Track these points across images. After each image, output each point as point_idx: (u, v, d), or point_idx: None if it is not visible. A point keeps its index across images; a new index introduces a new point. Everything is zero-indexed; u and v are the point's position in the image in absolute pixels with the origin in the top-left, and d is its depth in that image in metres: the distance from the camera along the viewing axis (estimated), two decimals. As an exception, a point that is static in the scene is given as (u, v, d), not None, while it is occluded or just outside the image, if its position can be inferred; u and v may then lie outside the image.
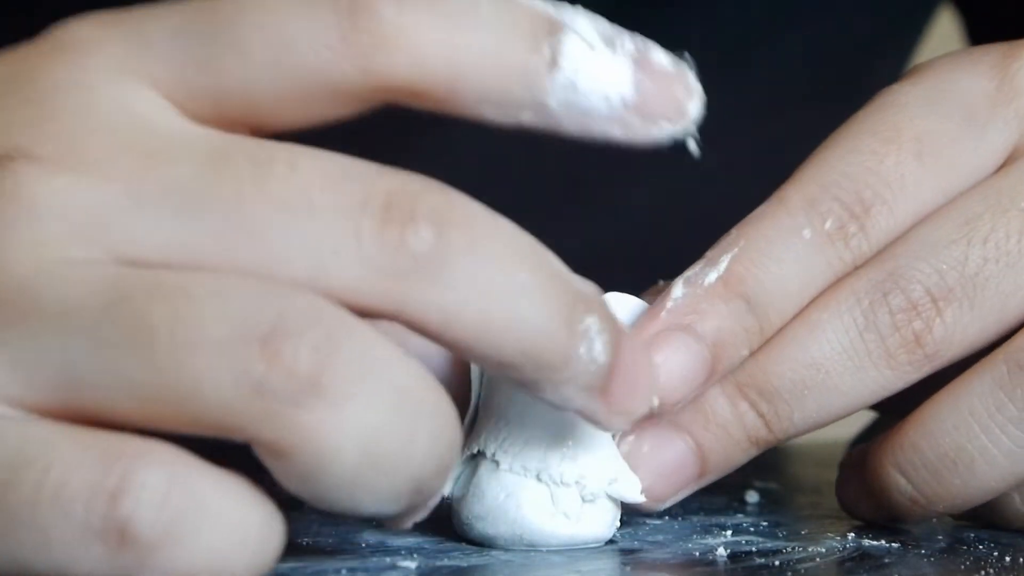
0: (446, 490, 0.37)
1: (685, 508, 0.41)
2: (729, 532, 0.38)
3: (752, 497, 0.44)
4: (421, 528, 0.38)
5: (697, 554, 0.36)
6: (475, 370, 0.37)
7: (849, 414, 0.37)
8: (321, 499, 0.30)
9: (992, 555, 0.36)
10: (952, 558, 0.35)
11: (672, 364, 0.36)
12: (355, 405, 0.29)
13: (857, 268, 0.37)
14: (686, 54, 0.33)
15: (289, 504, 0.31)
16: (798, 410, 0.37)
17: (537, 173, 0.60)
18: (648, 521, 0.39)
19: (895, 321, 0.37)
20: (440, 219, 0.30)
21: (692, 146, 0.33)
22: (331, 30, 0.31)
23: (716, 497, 0.44)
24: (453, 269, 0.30)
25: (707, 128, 0.63)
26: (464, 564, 0.34)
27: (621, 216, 0.62)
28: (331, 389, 0.29)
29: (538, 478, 0.36)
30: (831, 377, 0.37)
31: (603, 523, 0.36)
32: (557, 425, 0.36)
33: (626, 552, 0.36)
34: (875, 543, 0.37)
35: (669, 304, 0.37)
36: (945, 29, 0.71)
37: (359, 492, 0.30)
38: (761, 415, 0.37)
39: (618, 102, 0.32)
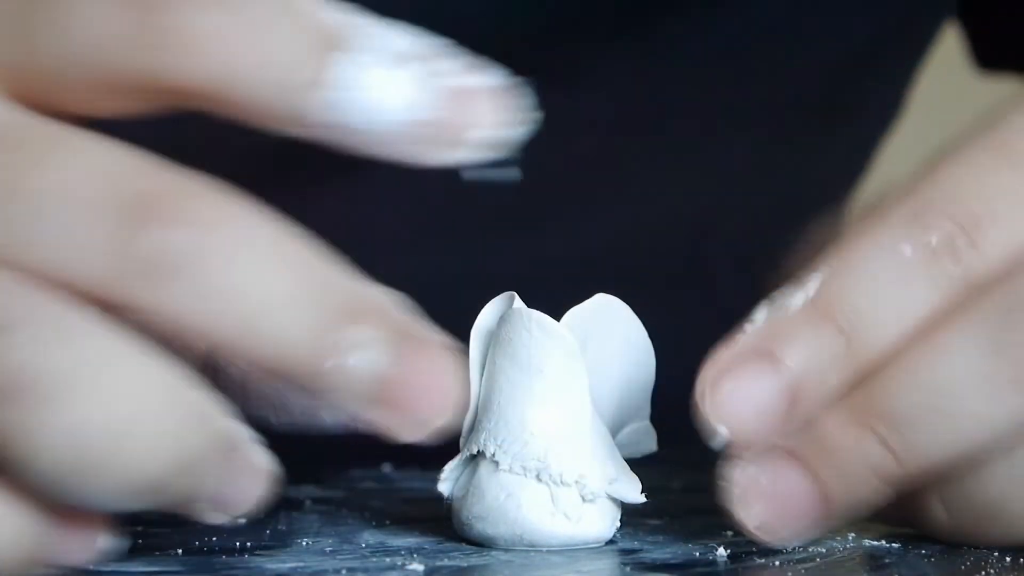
0: (445, 490, 0.37)
1: (685, 508, 0.41)
2: (729, 532, 0.38)
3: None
4: (421, 528, 0.38)
5: (697, 554, 0.36)
6: (475, 370, 0.37)
7: (994, 447, 0.34)
8: (42, 491, 0.31)
9: (992, 555, 0.35)
10: (952, 558, 0.35)
11: (745, 393, 0.34)
12: (55, 407, 0.30)
13: (985, 288, 0.34)
14: (521, 80, 0.32)
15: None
16: (930, 439, 0.33)
17: (525, 179, 0.60)
18: (648, 521, 0.39)
19: None
20: (182, 222, 0.30)
21: (506, 174, 0.32)
22: (122, 21, 0.31)
23: (716, 497, 0.44)
24: (184, 274, 0.30)
25: (700, 137, 0.63)
26: (464, 564, 0.34)
27: (609, 225, 0.62)
28: (28, 390, 0.30)
29: (538, 478, 0.36)
30: (963, 402, 0.33)
31: (603, 523, 0.36)
32: (557, 425, 0.36)
33: (626, 552, 0.36)
34: (875, 543, 0.37)
35: (748, 328, 0.34)
36: (951, 45, 0.70)
37: (78, 488, 0.30)
38: (886, 445, 0.33)
39: (398, 122, 0.31)
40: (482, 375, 0.37)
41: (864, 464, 0.34)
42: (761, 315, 0.34)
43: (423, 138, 0.31)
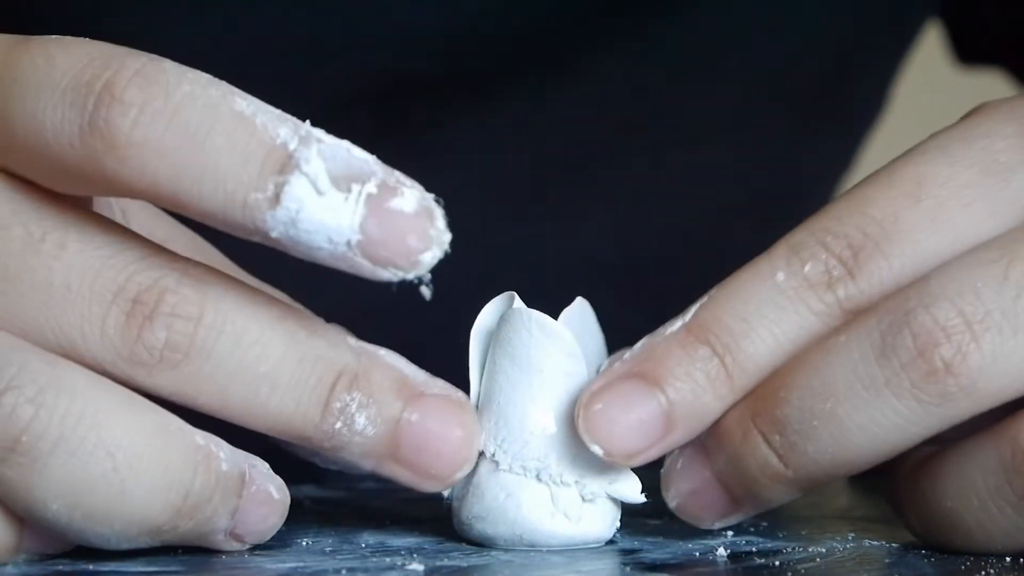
0: (444, 491, 0.37)
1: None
2: (729, 532, 0.38)
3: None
4: (421, 528, 0.38)
5: (697, 554, 0.36)
6: (475, 370, 0.37)
7: (882, 456, 0.34)
8: (55, 534, 0.33)
9: (992, 555, 0.35)
10: (952, 558, 0.35)
11: (622, 414, 0.35)
12: (55, 463, 0.32)
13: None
14: (439, 201, 0.33)
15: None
16: (811, 443, 0.34)
17: (506, 185, 0.60)
18: (648, 521, 0.39)
19: (918, 345, 0.33)
20: (180, 316, 0.33)
21: (424, 291, 0.33)
22: (73, 127, 0.32)
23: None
24: (188, 363, 0.33)
25: (686, 136, 0.63)
26: (464, 564, 0.34)
27: (594, 225, 0.62)
28: (31, 448, 0.32)
29: (538, 478, 0.36)
30: (843, 407, 0.33)
31: (603, 523, 0.36)
32: (557, 425, 0.36)
33: (626, 552, 0.36)
34: (875, 543, 0.37)
35: (626, 355, 0.35)
36: (933, 42, 0.71)
37: (80, 536, 0.33)
38: (773, 448, 0.34)
39: (342, 244, 0.32)
40: (482, 375, 0.37)
41: (754, 464, 0.34)
42: (640, 344, 0.35)
43: (373, 257, 0.32)
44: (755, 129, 0.62)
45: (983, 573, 0.34)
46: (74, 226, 0.34)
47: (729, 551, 0.36)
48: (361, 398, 0.34)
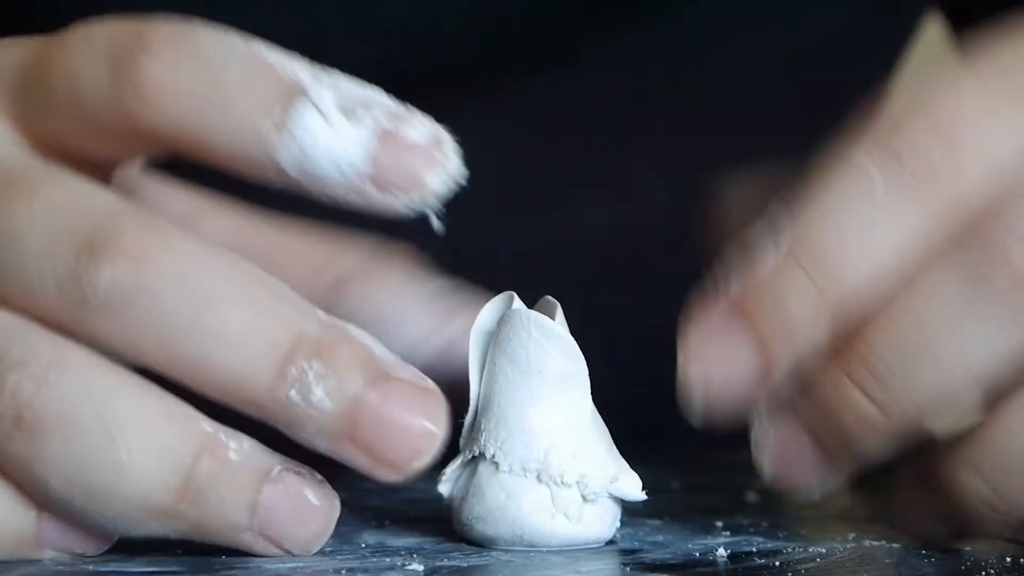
0: (445, 491, 0.37)
1: (685, 508, 0.41)
2: (729, 532, 0.38)
3: (752, 497, 0.44)
4: (421, 528, 0.38)
5: (697, 554, 0.36)
6: (474, 371, 0.37)
7: (973, 387, 0.33)
8: (61, 513, 0.33)
9: (992, 555, 0.35)
10: (952, 558, 0.35)
11: (718, 352, 0.33)
12: (55, 440, 0.32)
13: (966, 217, 0.33)
14: (454, 139, 0.33)
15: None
16: (912, 384, 0.33)
17: (504, 177, 0.60)
18: (648, 521, 0.39)
19: (1018, 272, 0.32)
20: (131, 256, 0.32)
21: (434, 221, 0.33)
22: (104, 81, 0.34)
23: (716, 497, 0.44)
24: (133, 306, 0.32)
25: (679, 131, 0.63)
26: (464, 564, 0.34)
27: (588, 219, 0.62)
28: (32, 424, 0.32)
29: (539, 478, 0.36)
30: (938, 340, 0.32)
31: (604, 523, 0.36)
32: (557, 425, 0.36)
33: (626, 552, 0.36)
34: (875, 543, 0.37)
35: (722, 284, 0.34)
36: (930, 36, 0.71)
37: (90, 512, 0.33)
38: (870, 396, 0.33)
39: (351, 171, 0.32)
40: (481, 376, 0.37)
41: (851, 416, 0.33)
42: (735, 267, 0.34)
43: (383, 184, 0.32)
44: (754, 121, 0.62)
45: (983, 573, 0.34)
46: (50, 176, 0.34)
47: (729, 551, 0.36)
48: (320, 368, 0.32)
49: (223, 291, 0.32)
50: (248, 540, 0.34)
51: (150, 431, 0.32)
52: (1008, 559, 0.35)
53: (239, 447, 0.33)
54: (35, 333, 0.33)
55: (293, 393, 0.32)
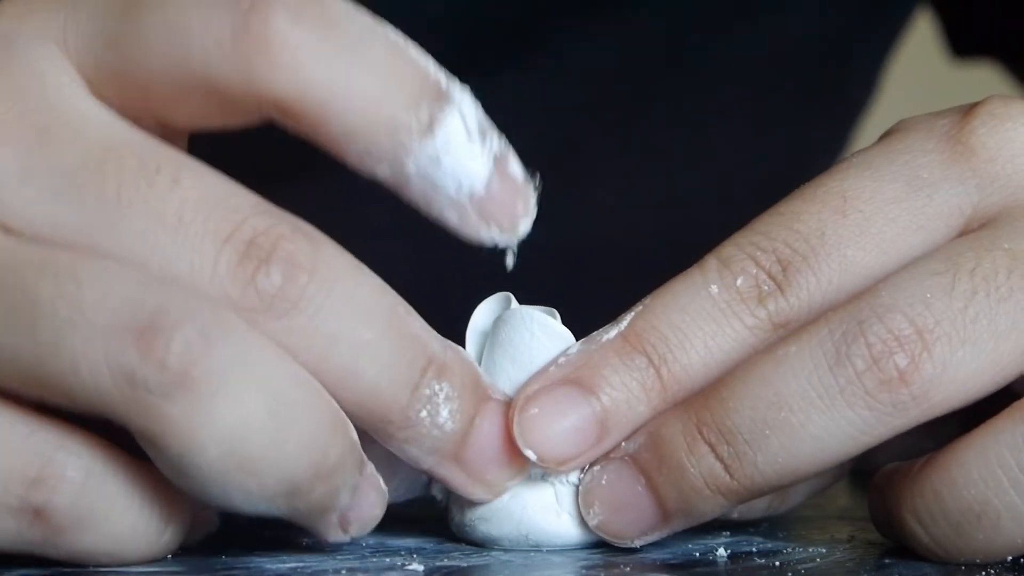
0: (438, 493, 0.37)
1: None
2: (729, 532, 0.38)
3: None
4: (421, 528, 0.38)
5: (697, 554, 0.36)
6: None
7: (827, 465, 0.34)
8: (190, 489, 0.32)
9: (987, 563, 0.35)
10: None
11: (557, 419, 0.34)
12: (221, 403, 0.30)
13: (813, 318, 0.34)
14: (537, 174, 0.33)
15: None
16: (760, 453, 0.33)
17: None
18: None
19: (873, 354, 0.33)
20: (296, 265, 0.32)
21: (509, 259, 0.33)
22: (224, 27, 0.32)
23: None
24: (296, 314, 0.32)
25: (680, 119, 0.63)
26: (464, 564, 0.34)
27: (590, 209, 0.62)
28: (198, 385, 0.30)
29: (543, 478, 0.36)
30: (796, 416, 0.33)
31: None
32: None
33: (626, 552, 0.36)
34: (875, 543, 0.37)
35: (561, 360, 0.35)
36: (925, 32, 0.71)
37: (226, 488, 0.31)
38: (720, 458, 0.34)
39: (467, 192, 0.32)
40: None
41: (699, 476, 0.34)
42: (574, 348, 0.35)
43: (485, 214, 0.33)
44: (755, 110, 0.63)
45: (983, 573, 0.34)
46: (187, 164, 0.32)
47: (729, 551, 0.36)
48: (449, 390, 0.33)
49: (373, 308, 0.33)
50: (333, 522, 0.33)
51: (301, 402, 0.32)
52: (1009, 558, 0.35)
53: (352, 427, 0.33)
54: (192, 293, 0.31)
55: (424, 413, 0.33)
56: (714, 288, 0.35)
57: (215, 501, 0.32)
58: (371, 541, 0.37)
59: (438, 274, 0.54)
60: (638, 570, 0.34)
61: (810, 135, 0.65)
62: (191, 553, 0.35)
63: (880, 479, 0.36)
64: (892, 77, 0.69)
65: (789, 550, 0.36)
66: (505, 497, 0.36)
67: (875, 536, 0.38)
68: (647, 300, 0.35)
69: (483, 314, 0.37)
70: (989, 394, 0.34)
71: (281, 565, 0.34)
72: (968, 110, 0.36)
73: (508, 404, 0.35)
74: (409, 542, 0.37)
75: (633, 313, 0.35)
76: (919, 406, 0.33)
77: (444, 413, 0.33)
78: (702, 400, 0.34)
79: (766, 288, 0.34)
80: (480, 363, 0.37)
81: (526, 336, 0.36)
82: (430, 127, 0.32)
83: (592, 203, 0.61)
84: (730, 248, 0.35)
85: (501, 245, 0.33)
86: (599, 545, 0.36)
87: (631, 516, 0.35)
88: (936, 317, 0.33)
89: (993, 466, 0.33)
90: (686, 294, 0.35)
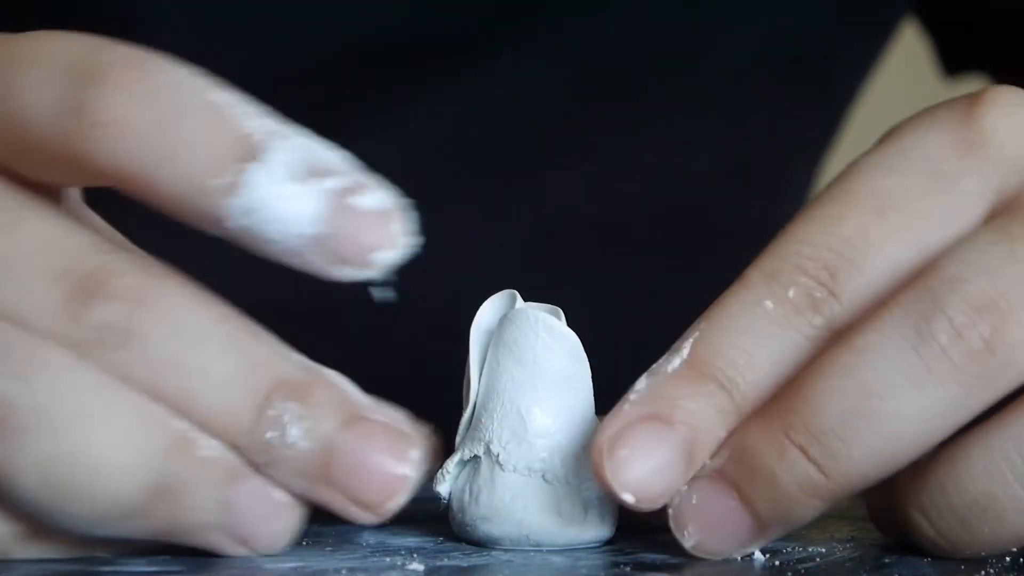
0: (444, 492, 0.37)
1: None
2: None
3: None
4: (421, 528, 0.38)
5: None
6: (475, 369, 0.37)
7: (924, 449, 0.33)
8: (28, 516, 0.33)
9: (992, 555, 0.35)
10: (953, 558, 0.35)
11: (647, 458, 0.34)
12: (33, 437, 0.32)
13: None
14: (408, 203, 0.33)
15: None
16: (856, 447, 0.33)
17: (490, 148, 0.61)
18: (648, 521, 0.39)
19: (956, 327, 0.32)
20: (123, 298, 0.33)
21: (375, 293, 0.33)
22: (55, 106, 0.33)
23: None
24: (128, 346, 0.33)
25: (664, 103, 0.64)
26: (464, 564, 0.34)
27: (575, 192, 0.63)
28: (11, 421, 0.32)
29: (544, 478, 0.36)
30: (887, 403, 0.32)
31: (604, 523, 0.36)
32: (562, 425, 0.36)
33: (626, 552, 0.36)
34: (875, 543, 0.37)
35: (632, 396, 0.35)
36: (915, 30, 0.72)
37: (60, 513, 0.33)
38: (812, 460, 0.33)
39: (295, 237, 0.32)
40: (481, 376, 0.37)
41: (791, 481, 0.33)
42: (642, 383, 0.35)
43: (326, 253, 0.32)
44: (737, 96, 0.64)
45: (983, 573, 0.34)
46: (33, 207, 0.34)
47: (729, 551, 0.36)
48: (298, 408, 0.33)
49: (209, 335, 0.33)
50: (217, 539, 0.34)
51: (124, 429, 0.32)
52: (1008, 559, 0.35)
53: (209, 444, 0.33)
54: (13, 334, 0.33)
55: (270, 434, 0.33)
56: (768, 304, 0.35)
57: (56, 525, 0.33)
58: (371, 541, 0.37)
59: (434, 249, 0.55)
60: (638, 570, 0.34)
61: (794, 124, 0.66)
62: (191, 553, 0.35)
63: (902, 476, 0.36)
64: (886, 71, 0.70)
65: (789, 550, 0.36)
66: (507, 497, 0.36)
67: (875, 536, 0.38)
68: (702, 324, 0.35)
69: (488, 312, 0.37)
70: None
71: (281, 565, 0.34)
72: (971, 100, 0.36)
73: (387, 425, 0.34)
74: (409, 542, 0.37)
75: (692, 339, 0.35)
76: (1007, 374, 0.33)
77: (294, 433, 0.33)
78: (784, 404, 0.34)
79: (819, 295, 0.34)
80: (484, 362, 0.37)
81: (531, 336, 0.36)
82: (235, 187, 0.32)
83: (577, 183, 0.62)
84: (774, 260, 0.35)
85: (362, 279, 0.32)
86: (599, 545, 0.36)
87: (727, 532, 0.34)
88: (1007, 284, 0.33)
89: (998, 460, 0.33)
90: (741, 313, 0.35)
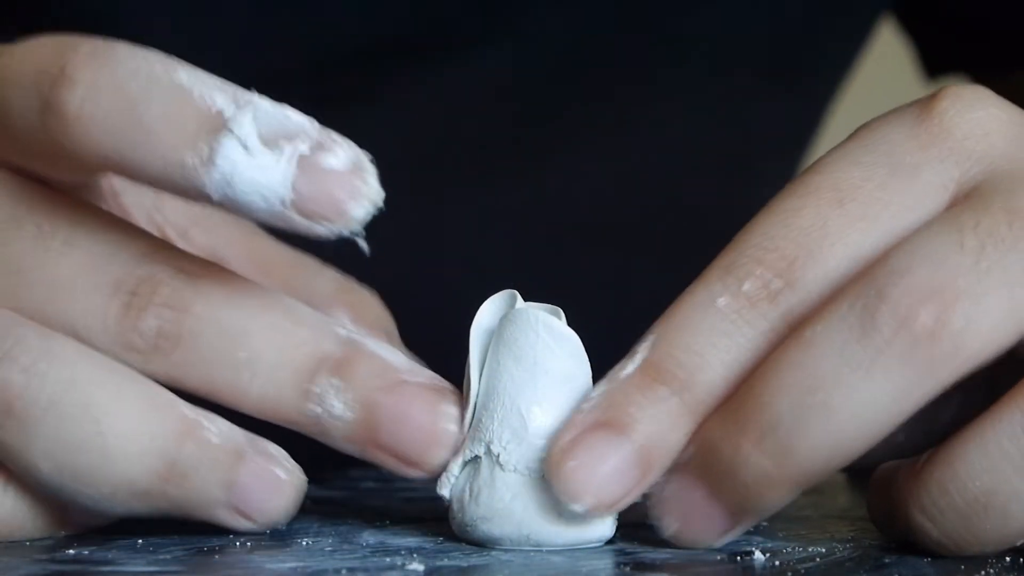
0: (446, 493, 0.37)
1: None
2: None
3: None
4: (421, 528, 0.38)
5: (697, 554, 0.36)
6: (475, 369, 0.37)
7: (875, 439, 0.33)
8: (49, 495, 0.36)
9: (992, 555, 0.35)
10: (952, 558, 0.35)
11: (597, 466, 0.34)
12: (44, 426, 0.34)
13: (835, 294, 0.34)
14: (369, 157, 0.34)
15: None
16: (805, 440, 0.33)
17: (492, 135, 0.61)
18: (648, 521, 0.39)
19: (899, 318, 0.32)
20: (172, 307, 0.35)
21: (362, 244, 0.34)
22: (32, 108, 0.35)
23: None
24: (179, 350, 0.35)
25: (647, 95, 0.65)
26: (464, 564, 0.34)
27: (557, 185, 0.63)
28: (23, 411, 0.35)
29: (544, 478, 0.36)
30: (834, 396, 0.33)
31: (604, 523, 0.36)
32: (560, 425, 0.36)
33: (626, 552, 0.36)
34: (875, 543, 0.37)
35: (585, 404, 0.35)
36: (896, 29, 0.72)
37: (76, 494, 0.35)
38: (766, 454, 0.33)
39: (275, 201, 0.33)
40: (481, 376, 0.37)
41: (748, 475, 0.34)
42: (598, 389, 0.35)
43: (305, 212, 0.34)
44: (719, 87, 0.64)
45: (983, 573, 0.34)
46: (81, 225, 0.36)
47: (729, 551, 0.36)
48: (339, 383, 0.36)
49: (252, 327, 0.36)
50: (223, 515, 0.36)
51: (134, 417, 0.35)
52: (1008, 559, 0.35)
53: (218, 430, 0.35)
54: (25, 327, 0.35)
55: (319, 410, 0.36)
56: (721, 300, 0.35)
57: (73, 505, 0.36)
58: (372, 541, 0.37)
59: (408, 236, 0.55)
60: (638, 570, 0.34)
61: (776, 113, 0.67)
62: (191, 553, 0.35)
63: (880, 477, 0.37)
64: (870, 60, 0.70)
65: (789, 550, 0.36)
66: (507, 497, 0.36)
67: (875, 536, 0.38)
68: (658, 326, 0.35)
69: (488, 312, 0.37)
70: (1012, 345, 0.33)
71: (281, 565, 0.34)
72: (934, 96, 0.37)
73: (423, 385, 0.36)
74: (410, 542, 0.37)
75: (648, 342, 0.35)
76: (952, 361, 0.33)
77: (338, 405, 0.36)
78: (738, 400, 0.34)
79: (775, 286, 0.34)
80: (484, 361, 0.37)
81: (531, 336, 0.36)
82: (211, 158, 0.33)
83: (561, 176, 0.63)
84: (731, 255, 0.35)
85: (344, 234, 0.34)
86: (599, 545, 0.36)
87: (701, 523, 0.35)
88: (952, 273, 0.33)
89: (995, 456, 0.33)
90: (695, 312, 0.35)
